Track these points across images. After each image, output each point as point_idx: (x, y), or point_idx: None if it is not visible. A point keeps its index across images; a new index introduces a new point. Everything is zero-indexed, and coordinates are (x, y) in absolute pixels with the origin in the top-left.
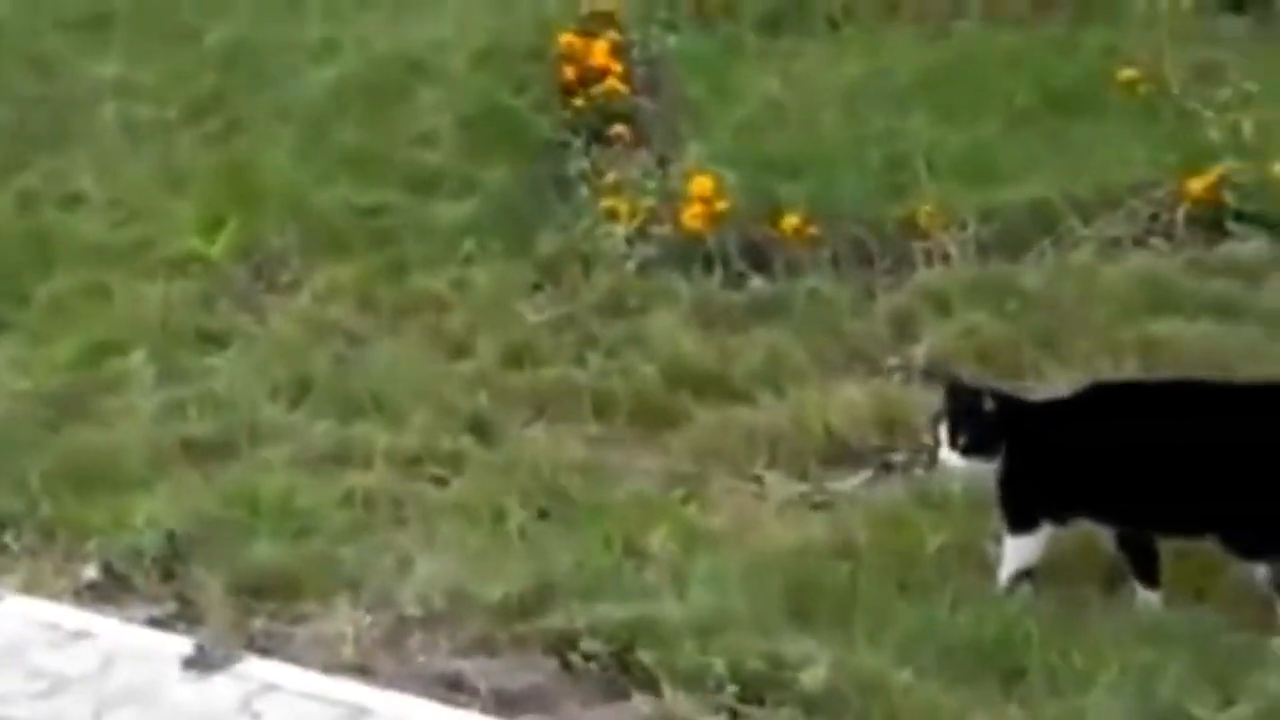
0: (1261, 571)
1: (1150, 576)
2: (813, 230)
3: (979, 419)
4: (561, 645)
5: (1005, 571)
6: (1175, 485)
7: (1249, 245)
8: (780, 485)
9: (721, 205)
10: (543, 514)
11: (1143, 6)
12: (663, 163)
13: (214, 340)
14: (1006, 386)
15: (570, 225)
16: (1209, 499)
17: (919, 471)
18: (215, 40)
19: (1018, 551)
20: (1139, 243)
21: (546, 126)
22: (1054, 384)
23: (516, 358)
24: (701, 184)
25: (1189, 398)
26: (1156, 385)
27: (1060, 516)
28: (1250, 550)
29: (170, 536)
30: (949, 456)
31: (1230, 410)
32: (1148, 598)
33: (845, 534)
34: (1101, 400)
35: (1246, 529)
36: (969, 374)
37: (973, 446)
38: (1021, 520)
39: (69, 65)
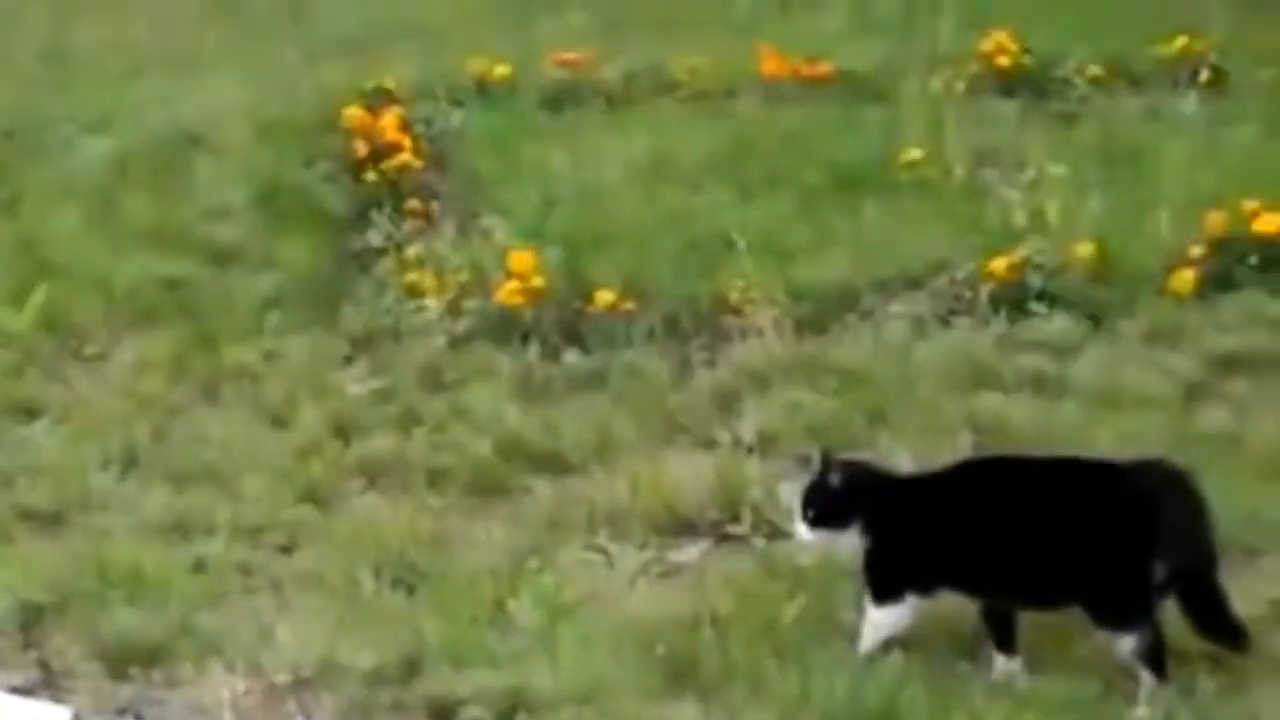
0: (1128, 643)
1: (1009, 645)
2: (627, 306)
3: (827, 492)
4: (442, 711)
5: (867, 642)
6: (1039, 557)
7: (1054, 323)
8: (625, 556)
9: (538, 281)
10: (396, 583)
11: (915, 87)
12: (465, 237)
13: (26, 411)
14: (873, 461)
15: (375, 299)
16: (1073, 571)
17: (759, 543)
18: None
19: (882, 622)
20: (944, 321)
21: (340, 201)
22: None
23: (341, 430)
24: (520, 260)
25: (1051, 472)
26: (1019, 460)
27: (926, 588)
28: (1115, 622)
29: (24, 605)
30: (799, 528)
31: (1091, 484)
32: (1008, 666)
33: (701, 604)
34: (966, 474)
35: (1111, 601)
36: (818, 447)
37: (820, 519)
38: (887, 592)
39: None
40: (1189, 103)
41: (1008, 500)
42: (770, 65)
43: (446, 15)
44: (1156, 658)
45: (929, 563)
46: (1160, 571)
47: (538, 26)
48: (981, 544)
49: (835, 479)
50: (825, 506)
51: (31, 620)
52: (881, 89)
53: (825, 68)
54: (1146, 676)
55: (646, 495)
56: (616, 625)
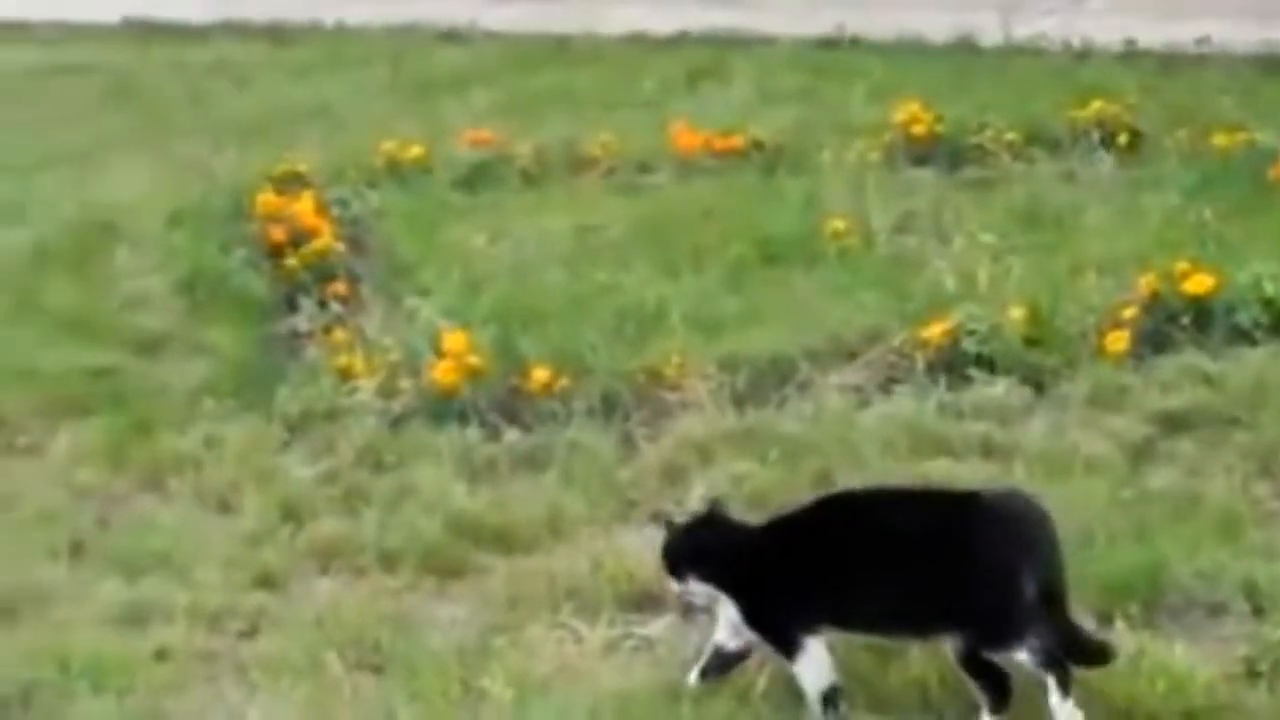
0: (1023, 656)
1: (1002, 700)
2: (563, 383)
3: (677, 546)
4: None
5: (811, 695)
6: (906, 586)
7: (996, 389)
8: (591, 632)
9: (472, 360)
10: (362, 665)
11: (830, 158)
12: (391, 318)
13: None
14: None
15: (307, 383)
16: (948, 598)
17: None
18: None
19: (807, 672)
20: (884, 390)
21: (260, 286)
22: None
23: (289, 513)
24: (454, 339)
25: (921, 503)
26: (887, 492)
27: (811, 627)
28: (1001, 642)
29: None
30: (670, 584)
31: (963, 513)
32: None
33: (674, 677)
34: (831, 511)
35: (995, 622)
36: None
37: (675, 573)
38: (789, 642)
39: None
40: (1107, 166)
41: (876, 532)
42: (684, 139)
43: (346, 98)
44: (1058, 661)
45: (807, 601)
46: (1032, 589)
47: (441, 106)
48: (848, 576)
49: (686, 534)
50: (679, 560)
51: None
52: (797, 160)
53: (739, 140)
54: (1052, 685)
55: (607, 571)
56: (591, 701)
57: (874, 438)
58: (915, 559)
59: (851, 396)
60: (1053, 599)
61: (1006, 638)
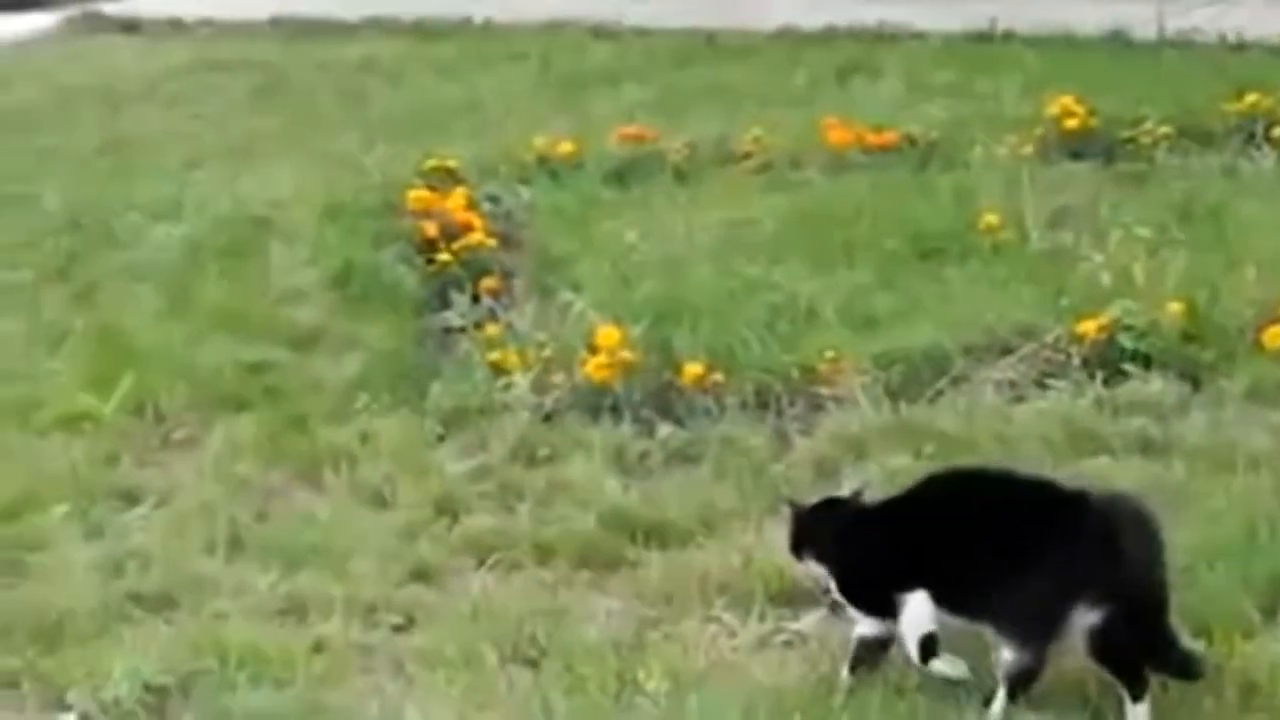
0: (1007, 654)
1: (1141, 688)
2: (715, 378)
3: (796, 527)
4: None
5: (909, 644)
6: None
7: (1153, 385)
8: (744, 626)
9: (626, 355)
10: (518, 659)
11: (982, 152)
12: (544, 313)
13: (124, 497)
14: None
15: (461, 377)
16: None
17: None
18: (54, 204)
19: (907, 621)
20: (1040, 385)
21: (413, 281)
22: None
23: (443, 508)
24: (607, 334)
25: (1019, 490)
26: (996, 475)
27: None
28: (1015, 636)
29: (149, 687)
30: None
31: (1044, 507)
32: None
33: (827, 672)
34: (931, 489)
35: (1017, 615)
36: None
37: (796, 553)
38: (874, 604)
39: None
40: (1264, 159)
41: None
42: (836, 134)
43: (495, 94)
44: (1022, 683)
45: (901, 568)
46: (1086, 600)
47: (592, 102)
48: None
49: (809, 511)
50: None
51: (156, 702)
52: (949, 154)
53: (891, 135)
54: (1000, 694)
55: (757, 566)
56: (747, 695)
57: (1029, 433)
58: (991, 544)
59: (1006, 392)
60: (1132, 611)
61: (1016, 636)
